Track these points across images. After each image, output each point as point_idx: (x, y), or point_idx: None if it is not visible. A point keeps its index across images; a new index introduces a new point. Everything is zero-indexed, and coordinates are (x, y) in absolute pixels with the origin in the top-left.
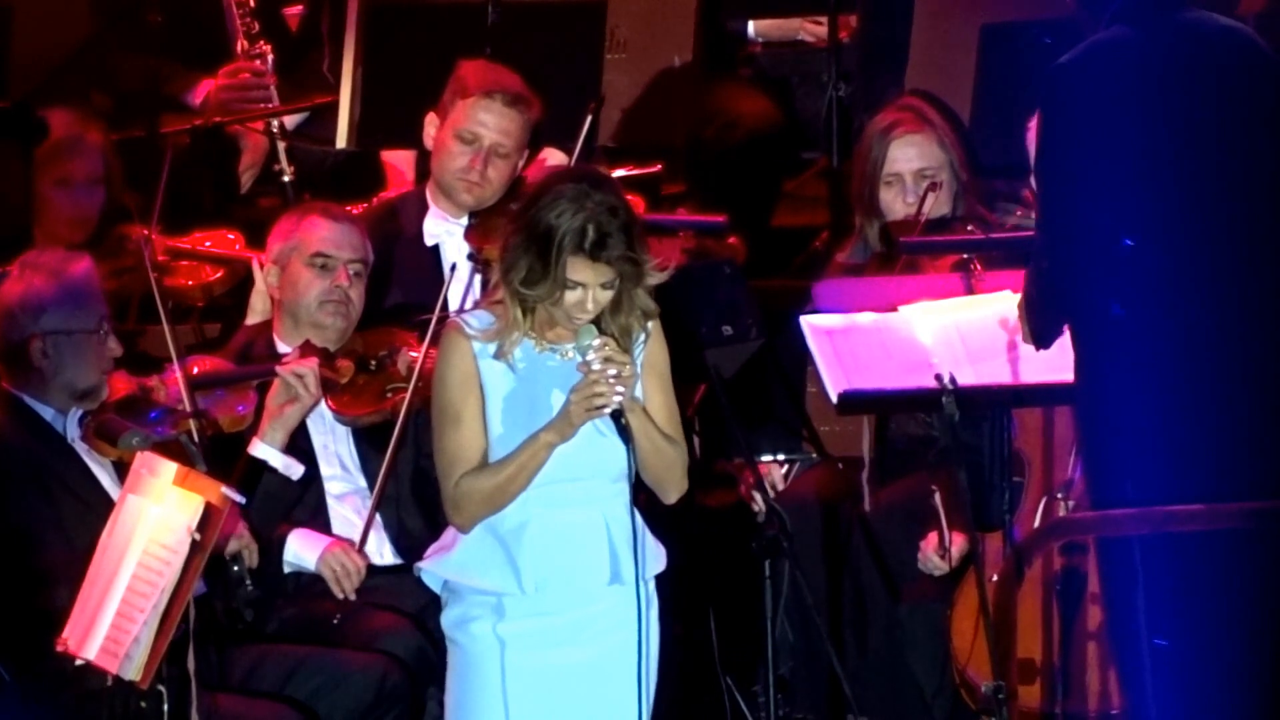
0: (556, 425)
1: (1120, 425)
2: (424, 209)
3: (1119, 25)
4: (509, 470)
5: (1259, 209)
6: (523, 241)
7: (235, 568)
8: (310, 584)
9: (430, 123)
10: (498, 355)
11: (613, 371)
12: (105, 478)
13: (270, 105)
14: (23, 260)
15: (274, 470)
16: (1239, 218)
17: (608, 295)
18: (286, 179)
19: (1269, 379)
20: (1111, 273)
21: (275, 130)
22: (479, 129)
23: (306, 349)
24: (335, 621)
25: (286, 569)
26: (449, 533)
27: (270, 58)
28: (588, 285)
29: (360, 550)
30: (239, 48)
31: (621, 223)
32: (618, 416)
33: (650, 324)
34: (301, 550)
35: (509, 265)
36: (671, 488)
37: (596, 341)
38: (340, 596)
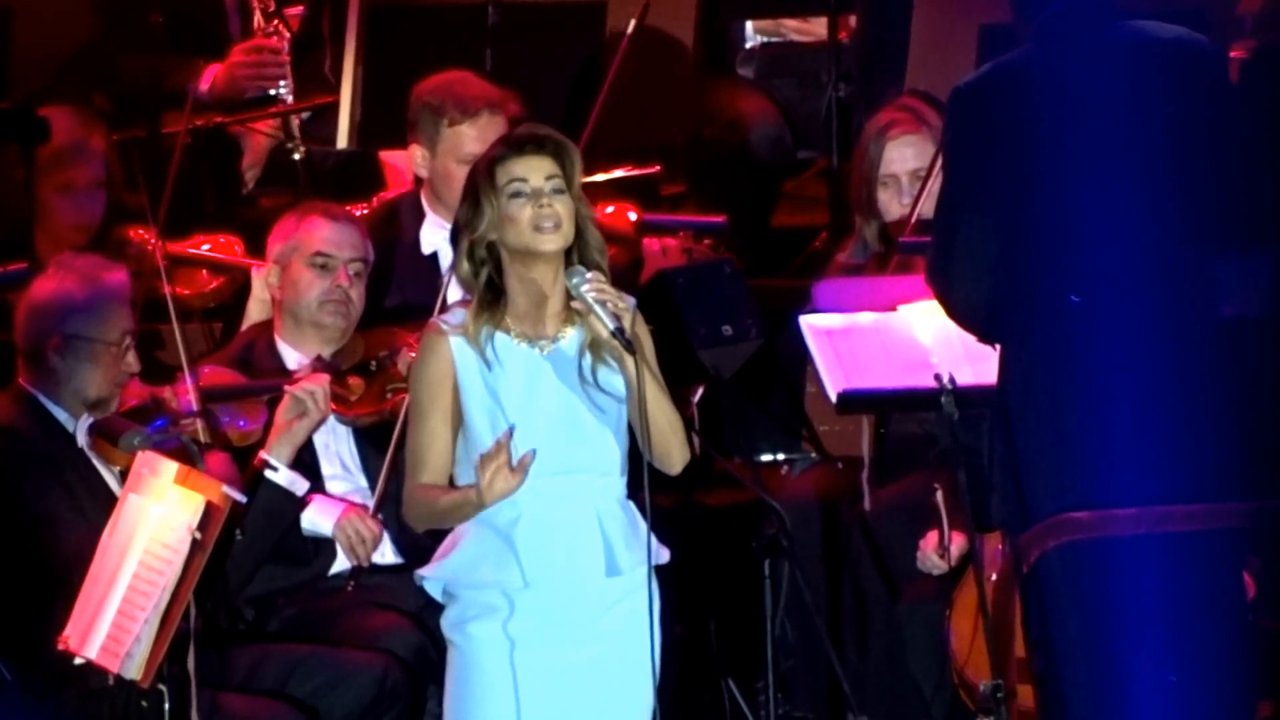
0: (477, 494)
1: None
2: (420, 215)
3: (1031, 44)
4: (446, 507)
5: (1181, 223)
6: (462, 203)
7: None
8: (311, 582)
9: (418, 153)
10: (474, 345)
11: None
12: (114, 483)
13: (285, 84)
14: (59, 260)
15: (279, 485)
16: (1157, 237)
17: (562, 201)
18: (298, 156)
19: (1187, 393)
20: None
21: (283, 97)
22: (484, 148)
23: (317, 365)
24: (349, 589)
25: (304, 534)
26: (449, 539)
27: (287, 36)
28: (529, 179)
29: (375, 516)
30: (255, 25)
31: (544, 128)
32: (621, 333)
33: (633, 312)
34: (317, 516)
35: (463, 235)
36: (675, 449)
37: (589, 275)
38: (353, 563)
